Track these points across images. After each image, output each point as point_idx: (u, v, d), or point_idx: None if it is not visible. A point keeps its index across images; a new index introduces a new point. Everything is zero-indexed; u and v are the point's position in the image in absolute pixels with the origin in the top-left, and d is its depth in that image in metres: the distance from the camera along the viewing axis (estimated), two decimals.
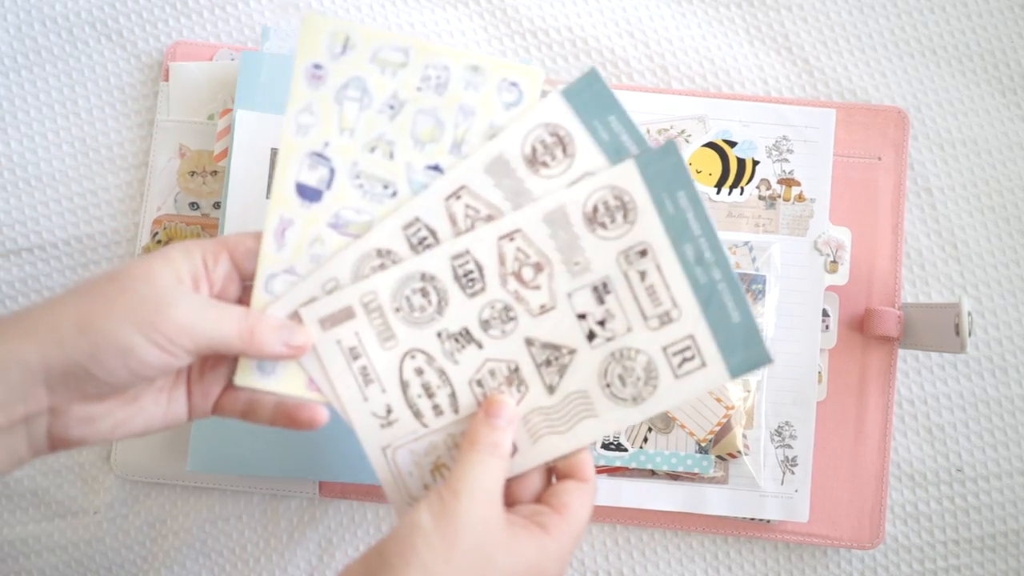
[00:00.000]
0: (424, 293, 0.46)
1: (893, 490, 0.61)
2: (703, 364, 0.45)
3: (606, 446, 0.59)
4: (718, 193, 0.61)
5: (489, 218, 0.47)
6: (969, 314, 0.53)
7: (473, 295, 0.46)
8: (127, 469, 0.61)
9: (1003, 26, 0.64)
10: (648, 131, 0.61)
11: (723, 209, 0.61)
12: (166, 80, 0.62)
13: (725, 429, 0.59)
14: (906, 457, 0.62)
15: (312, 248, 0.47)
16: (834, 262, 0.60)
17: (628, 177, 0.46)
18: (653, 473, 0.59)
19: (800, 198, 0.61)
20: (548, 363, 0.46)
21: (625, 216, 0.46)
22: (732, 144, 0.61)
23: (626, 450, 0.59)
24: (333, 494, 0.61)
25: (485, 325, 0.47)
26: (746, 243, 0.60)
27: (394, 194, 0.47)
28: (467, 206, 0.46)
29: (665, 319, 0.46)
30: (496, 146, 0.47)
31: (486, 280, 0.46)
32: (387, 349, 0.47)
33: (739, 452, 0.59)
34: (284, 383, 0.47)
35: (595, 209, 0.46)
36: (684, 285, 0.45)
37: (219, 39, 0.65)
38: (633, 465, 0.59)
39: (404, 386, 0.47)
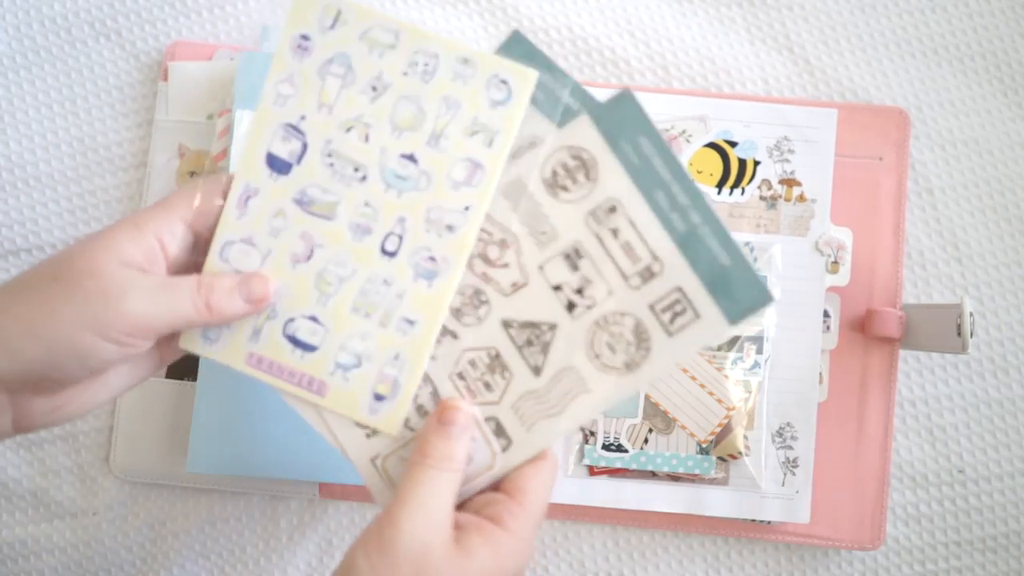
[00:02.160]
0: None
1: (894, 491, 0.61)
2: (697, 316, 0.42)
3: (607, 447, 0.59)
4: (719, 193, 0.61)
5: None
6: (971, 315, 0.53)
7: None
8: (126, 470, 0.61)
9: (1005, 26, 0.64)
10: None
11: (724, 209, 0.61)
12: (165, 80, 0.62)
13: (726, 430, 0.59)
14: (907, 458, 0.61)
15: (273, 221, 0.45)
16: (835, 263, 0.60)
17: (583, 133, 0.43)
18: (654, 474, 0.59)
19: (801, 198, 0.61)
20: (529, 343, 0.44)
21: (587, 175, 0.43)
22: (733, 144, 0.61)
23: (627, 451, 0.59)
24: (333, 495, 0.61)
25: (457, 314, 0.44)
26: (747, 244, 0.60)
27: (364, 178, 0.45)
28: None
29: (647, 275, 0.42)
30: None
31: None
32: None
33: (740, 453, 0.59)
34: (225, 354, 0.45)
35: (554, 173, 0.43)
36: (662, 235, 0.42)
37: (218, 39, 0.64)
38: (634, 466, 0.59)
39: None
